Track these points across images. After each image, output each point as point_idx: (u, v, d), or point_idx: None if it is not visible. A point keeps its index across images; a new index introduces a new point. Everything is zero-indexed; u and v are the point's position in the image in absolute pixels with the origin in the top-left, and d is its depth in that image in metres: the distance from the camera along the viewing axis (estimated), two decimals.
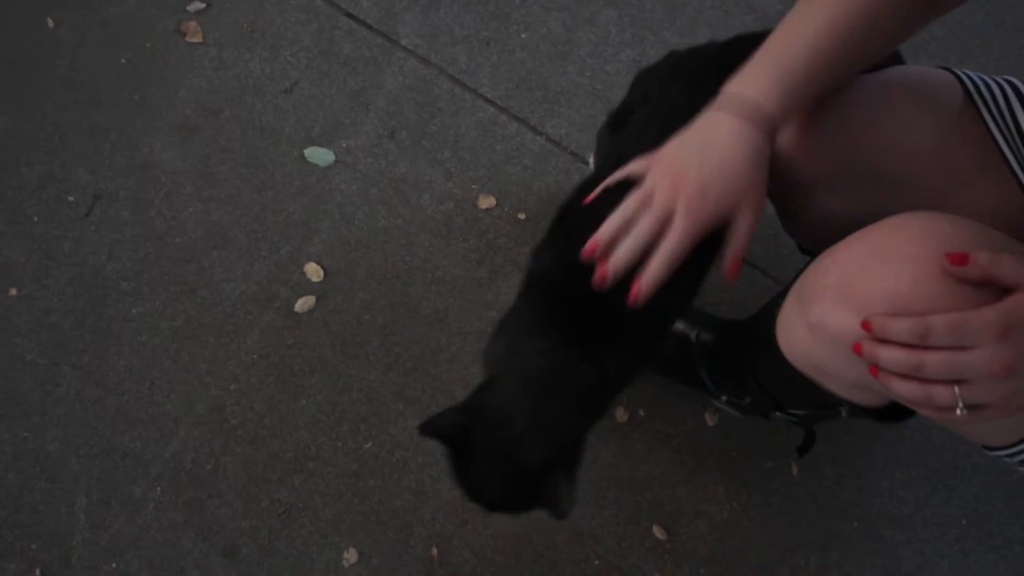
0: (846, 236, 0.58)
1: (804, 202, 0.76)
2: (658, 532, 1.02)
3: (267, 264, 1.13)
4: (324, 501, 1.02)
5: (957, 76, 0.70)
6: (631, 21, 1.30)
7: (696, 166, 0.61)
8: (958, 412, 0.50)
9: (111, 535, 1.00)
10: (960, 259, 0.49)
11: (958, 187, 0.68)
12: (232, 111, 1.22)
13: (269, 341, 1.09)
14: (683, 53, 0.82)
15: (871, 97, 0.68)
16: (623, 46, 1.28)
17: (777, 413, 0.93)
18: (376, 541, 1.00)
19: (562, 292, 0.71)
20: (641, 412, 1.07)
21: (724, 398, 1.01)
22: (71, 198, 1.15)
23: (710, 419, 1.07)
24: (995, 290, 0.49)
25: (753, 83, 0.62)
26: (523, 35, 1.29)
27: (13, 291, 1.10)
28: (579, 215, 0.70)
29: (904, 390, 0.51)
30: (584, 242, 0.64)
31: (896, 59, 0.78)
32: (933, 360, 0.49)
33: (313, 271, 1.13)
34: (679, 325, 1.02)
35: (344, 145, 1.20)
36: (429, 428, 0.70)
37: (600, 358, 0.70)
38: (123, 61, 1.24)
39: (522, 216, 1.17)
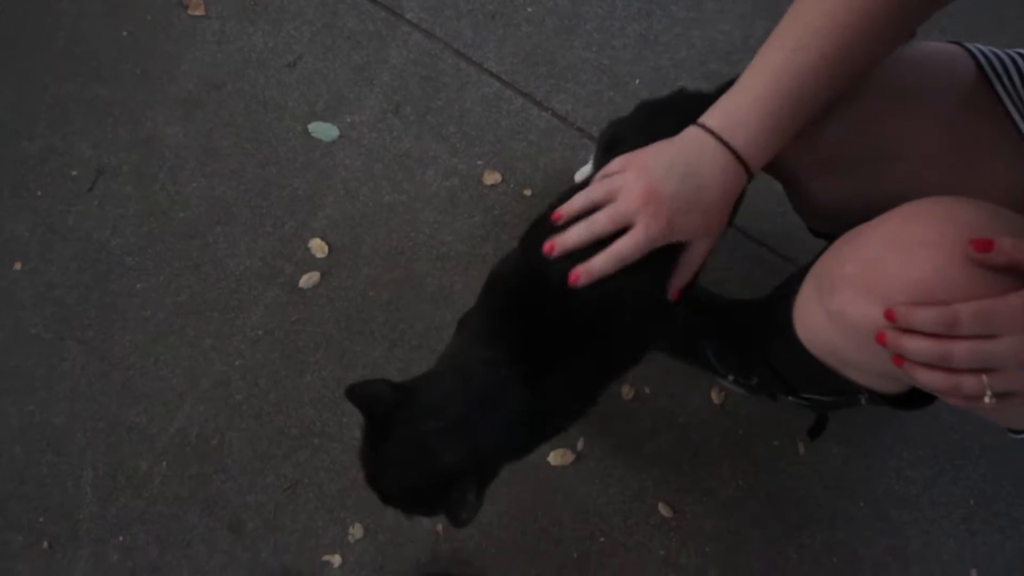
0: (859, 219, 0.57)
1: (814, 184, 0.75)
2: (664, 510, 1.02)
3: (271, 240, 1.12)
4: (329, 477, 1.02)
5: (969, 51, 0.68)
6: None
7: (673, 190, 0.62)
8: (986, 400, 0.49)
9: (117, 508, 1.00)
10: (985, 245, 0.48)
11: (971, 165, 0.67)
12: (235, 85, 1.20)
13: (274, 317, 1.09)
14: (690, 92, 0.81)
15: (880, 74, 0.67)
16: (630, 20, 1.26)
17: (789, 397, 0.92)
18: (381, 516, 1.00)
19: (518, 303, 0.70)
20: (647, 390, 1.07)
21: (731, 377, 1.01)
22: (74, 172, 1.15)
23: (716, 397, 1.07)
24: (1017, 275, 0.48)
25: (756, 117, 0.61)
26: (529, 9, 1.27)
27: (17, 265, 1.10)
28: (547, 226, 0.69)
29: (931, 380, 0.50)
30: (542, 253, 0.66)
31: None
32: (960, 349, 0.48)
33: (317, 247, 1.12)
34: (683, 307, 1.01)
35: (348, 120, 1.19)
36: (356, 392, 0.66)
37: (540, 386, 0.67)
38: (124, 34, 1.23)
39: (528, 192, 1.16)
